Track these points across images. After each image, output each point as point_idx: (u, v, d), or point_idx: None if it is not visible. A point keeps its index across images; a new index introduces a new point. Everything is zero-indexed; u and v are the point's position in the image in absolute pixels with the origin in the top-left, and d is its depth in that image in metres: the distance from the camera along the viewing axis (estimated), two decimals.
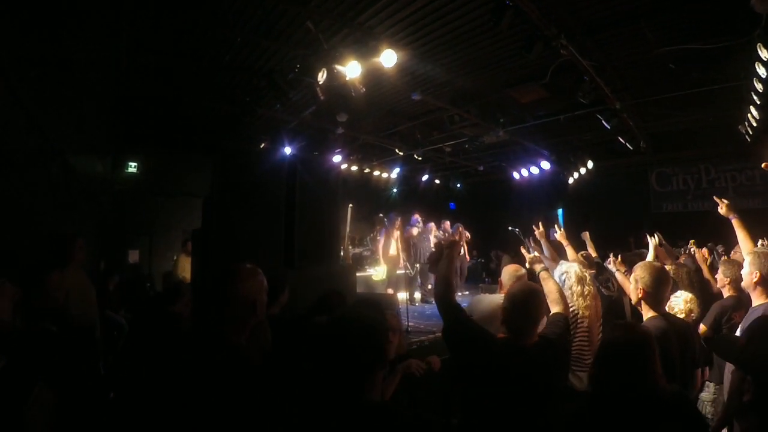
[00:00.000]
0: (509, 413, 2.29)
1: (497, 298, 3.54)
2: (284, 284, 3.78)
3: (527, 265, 3.44)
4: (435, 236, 11.46)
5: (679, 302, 3.46)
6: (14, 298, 2.12)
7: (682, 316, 3.42)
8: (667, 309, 3.33)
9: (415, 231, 10.83)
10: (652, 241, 5.25)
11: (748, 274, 3.29)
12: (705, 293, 4.45)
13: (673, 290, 3.70)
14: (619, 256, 5.05)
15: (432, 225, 11.64)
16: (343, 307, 2.78)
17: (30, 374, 1.81)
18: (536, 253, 3.41)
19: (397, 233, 10.86)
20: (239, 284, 2.05)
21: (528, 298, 2.55)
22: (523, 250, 3.55)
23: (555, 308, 2.77)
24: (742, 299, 3.89)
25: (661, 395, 1.92)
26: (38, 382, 1.68)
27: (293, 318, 3.58)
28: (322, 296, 3.74)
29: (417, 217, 11.20)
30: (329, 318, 1.85)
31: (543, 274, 3.06)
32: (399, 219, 11.09)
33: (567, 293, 3.81)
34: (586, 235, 5.31)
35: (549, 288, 2.89)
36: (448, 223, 12.19)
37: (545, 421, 2.33)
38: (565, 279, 3.88)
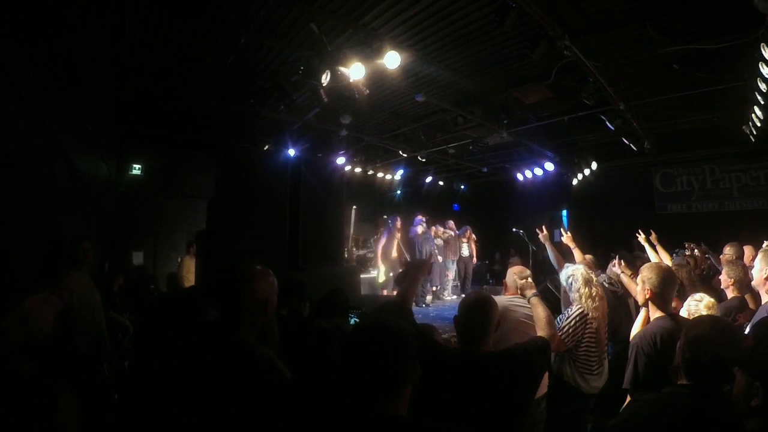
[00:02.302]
0: (454, 417, 2.28)
1: (503, 300, 3.53)
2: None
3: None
4: (440, 236, 11.49)
5: (701, 308, 3.40)
6: (58, 309, 2.14)
7: None
8: (686, 313, 3.33)
9: (420, 230, 10.83)
10: (645, 242, 5.24)
11: (759, 271, 3.31)
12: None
13: (679, 291, 3.68)
14: (622, 260, 5.05)
15: (439, 229, 11.67)
16: (364, 311, 2.78)
17: (55, 378, 1.83)
18: (528, 279, 3.37)
19: (398, 235, 10.87)
20: (252, 285, 2.08)
21: (473, 306, 2.56)
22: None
23: (540, 333, 2.76)
24: (746, 300, 3.90)
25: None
26: (63, 390, 1.69)
27: (300, 320, 3.60)
28: (325, 295, 3.77)
29: (420, 217, 11.21)
30: (361, 321, 1.81)
31: (533, 300, 3.02)
32: (399, 220, 11.09)
33: (575, 296, 3.81)
34: (569, 238, 5.28)
35: (538, 314, 2.88)
36: (452, 222, 12.20)
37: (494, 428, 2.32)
38: (572, 282, 3.88)
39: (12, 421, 1.41)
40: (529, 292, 3.11)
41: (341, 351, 1.65)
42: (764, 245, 5.14)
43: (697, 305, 3.35)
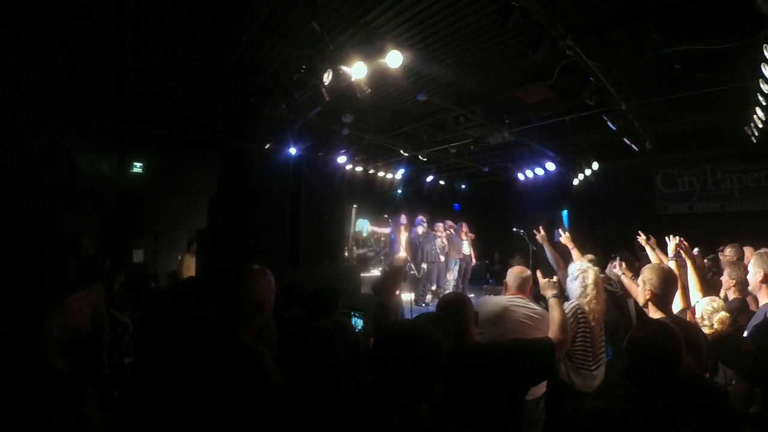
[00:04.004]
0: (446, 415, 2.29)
1: (502, 299, 3.54)
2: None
3: (540, 290, 3.30)
4: (441, 236, 11.47)
5: (713, 319, 3.38)
6: (93, 304, 2.16)
7: (707, 330, 3.32)
8: (700, 315, 3.33)
9: (420, 230, 10.81)
10: (646, 244, 5.21)
11: (753, 274, 3.32)
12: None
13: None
14: (623, 262, 5.04)
15: (439, 225, 11.66)
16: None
17: (83, 379, 1.86)
18: (554, 278, 3.31)
19: (404, 235, 10.85)
20: (249, 284, 2.09)
21: (448, 303, 2.63)
22: (539, 274, 3.50)
23: (551, 335, 2.75)
24: (747, 302, 3.90)
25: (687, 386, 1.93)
26: (88, 388, 1.71)
27: (302, 321, 3.60)
28: (316, 294, 3.74)
29: (422, 217, 11.19)
30: (399, 324, 1.81)
31: (552, 302, 2.98)
32: (405, 220, 11.08)
33: (578, 291, 3.81)
34: (567, 239, 5.28)
35: (554, 316, 2.86)
36: (450, 222, 12.20)
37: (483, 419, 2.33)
38: (581, 277, 3.87)
39: (45, 415, 1.45)
40: (550, 293, 3.06)
41: (373, 348, 1.65)
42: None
43: (711, 309, 3.35)
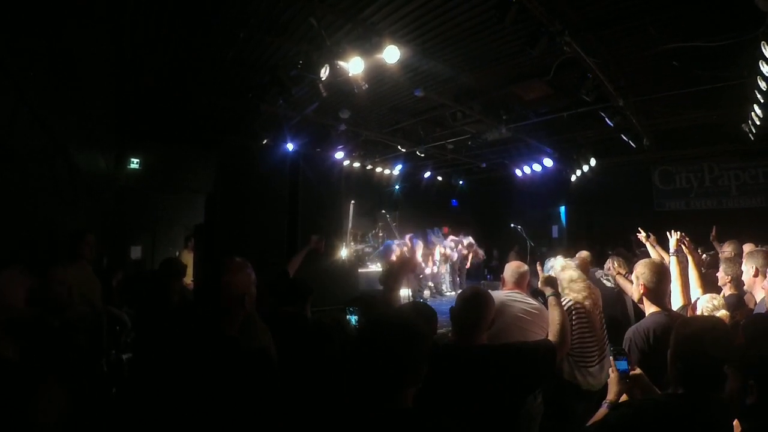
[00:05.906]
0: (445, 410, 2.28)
1: (500, 295, 3.54)
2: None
3: (539, 285, 3.26)
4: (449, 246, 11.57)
5: (716, 307, 3.37)
6: (28, 286, 2.12)
7: None
8: (701, 313, 3.33)
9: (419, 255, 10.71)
10: (646, 241, 5.18)
11: (746, 271, 3.35)
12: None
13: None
14: (615, 261, 5.04)
15: (455, 239, 11.80)
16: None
17: (39, 369, 1.83)
18: (551, 274, 3.24)
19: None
20: (228, 278, 2.06)
21: (469, 300, 2.57)
22: (539, 268, 3.46)
23: (550, 337, 2.72)
24: (742, 298, 3.92)
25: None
26: (46, 379, 1.69)
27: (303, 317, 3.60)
28: (282, 280, 3.70)
29: (452, 241, 11.09)
30: (378, 316, 1.80)
31: (551, 300, 2.91)
32: (420, 245, 11.02)
33: (564, 291, 3.82)
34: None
35: (552, 318, 2.81)
36: (471, 238, 12.30)
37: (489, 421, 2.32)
38: (566, 273, 3.88)
39: None
40: (549, 291, 3.01)
41: (355, 344, 1.65)
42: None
43: (711, 307, 3.35)
